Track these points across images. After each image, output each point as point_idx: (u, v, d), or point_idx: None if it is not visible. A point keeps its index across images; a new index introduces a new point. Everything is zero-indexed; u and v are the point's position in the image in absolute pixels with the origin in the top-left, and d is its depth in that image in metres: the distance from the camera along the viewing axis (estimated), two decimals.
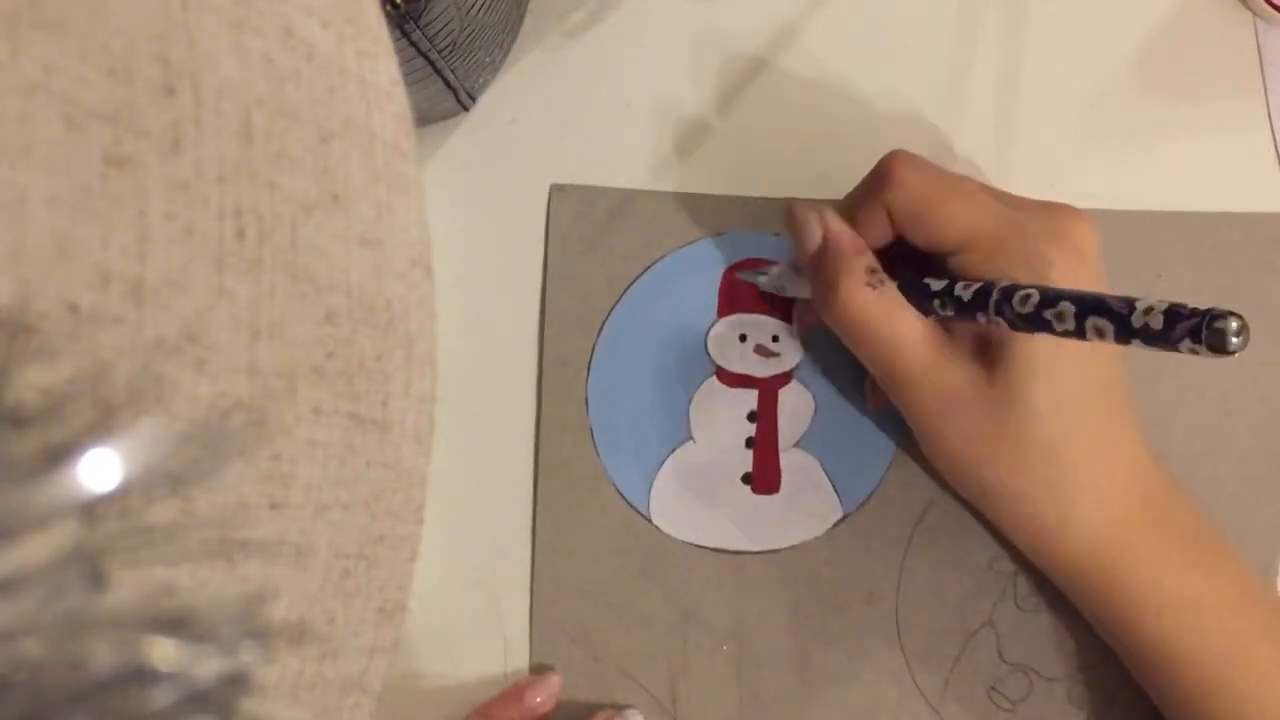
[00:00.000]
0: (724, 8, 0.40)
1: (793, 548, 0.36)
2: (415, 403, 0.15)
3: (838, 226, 0.31)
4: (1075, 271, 0.28)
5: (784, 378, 0.37)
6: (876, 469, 0.36)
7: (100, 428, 0.10)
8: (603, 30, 0.40)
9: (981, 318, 0.28)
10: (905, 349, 0.30)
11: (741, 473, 0.37)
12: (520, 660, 0.36)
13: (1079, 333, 0.25)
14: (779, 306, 0.37)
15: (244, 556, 0.12)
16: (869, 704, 0.35)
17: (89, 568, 0.10)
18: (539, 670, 0.36)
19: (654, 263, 0.38)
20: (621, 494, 0.36)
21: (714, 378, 0.37)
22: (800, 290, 0.35)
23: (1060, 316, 0.25)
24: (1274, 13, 0.38)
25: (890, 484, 0.36)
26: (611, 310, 0.37)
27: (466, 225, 0.38)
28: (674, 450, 0.37)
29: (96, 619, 0.10)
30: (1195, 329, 0.23)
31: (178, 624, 0.11)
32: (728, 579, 0.36)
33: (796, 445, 0.37)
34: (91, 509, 0.10)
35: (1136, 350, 0.36)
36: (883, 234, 0.31)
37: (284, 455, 0.13)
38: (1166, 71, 0.39)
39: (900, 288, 0.31)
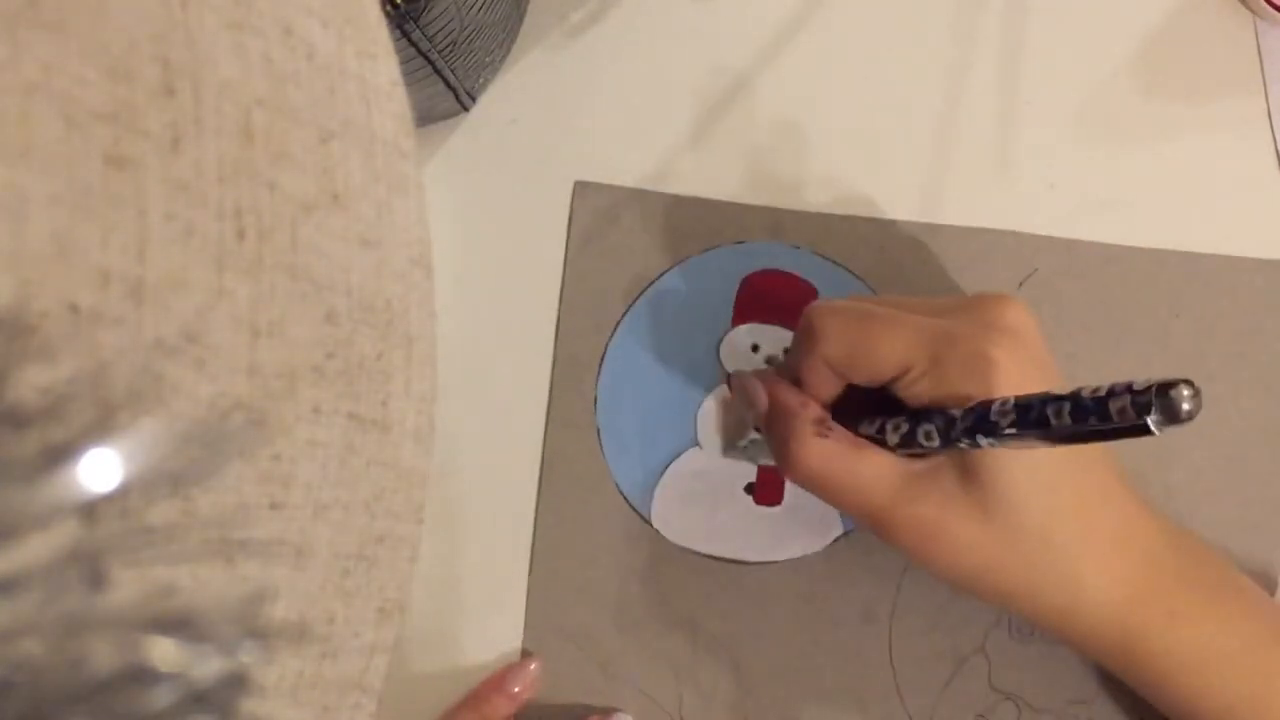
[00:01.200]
0: (724, 7, 0.40)
1: (791, 561, 0.36)
2: (415, 403, 0.15)
3: (778, 387, 0.32)
4: (1018, 361, 0.28)
5: None
6: None
7: (100, 428, 0.10)
8: (603, 30, 0.40)
9: (959, 443, 0.28)
10: (870, 488, 0.30)
11: (745, 483, 0.37)
12: (513, 654, 0.36)
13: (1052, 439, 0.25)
14: (795, 318, 0.37)
15: (244, 556, 0.12)
16: None
17: (89, 568, 0.10)
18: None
19: (672, 266, 0.38)
20: (624, 495, 0.36)
21: (724, 386, 0.37)
22: (769, 457, 0.35)
23: (1021, 435, 0.25)
24: (1274, 13, 0.38)
25: None
26: (627, 311, 0.37)
27: (467, 225, 0.38)
28: (679, 455, 0.37)
29: (96, 619, 0.10)
30: (1142, 405, 0.22)
31: (178, 624, 0.11)
32: (724, 587, 0.36)
33: None
34: (91, 509, 0.10)
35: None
36: (831, 386, 0.31)
37: (284, 455, 0.13)
38: (1166, 71, 0.39)
39: (863, 431, 0.31)
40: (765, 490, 0.36)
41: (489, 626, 0.36)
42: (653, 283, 0.37)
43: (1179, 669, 0.30)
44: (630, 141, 0.39)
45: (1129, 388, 0.22)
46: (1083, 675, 0.35)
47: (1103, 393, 0.23)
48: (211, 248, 0.11)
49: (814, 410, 0.31)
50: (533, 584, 0.36)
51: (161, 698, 0.10)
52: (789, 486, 0.36)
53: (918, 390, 0.29)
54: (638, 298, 0.37)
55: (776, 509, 0.36)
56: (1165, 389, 0.22)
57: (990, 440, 0.26)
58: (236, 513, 0.12)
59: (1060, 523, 0.29)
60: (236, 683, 0.11)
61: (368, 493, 0.14)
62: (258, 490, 0.12)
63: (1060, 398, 0.24)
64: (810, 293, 0.37)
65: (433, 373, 0.15)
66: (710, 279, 0.37)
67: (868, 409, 0.31)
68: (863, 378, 0.30)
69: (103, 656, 0.10)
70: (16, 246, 0.10)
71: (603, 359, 0.37)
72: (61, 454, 0.10)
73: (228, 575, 0.12)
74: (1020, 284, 0.37)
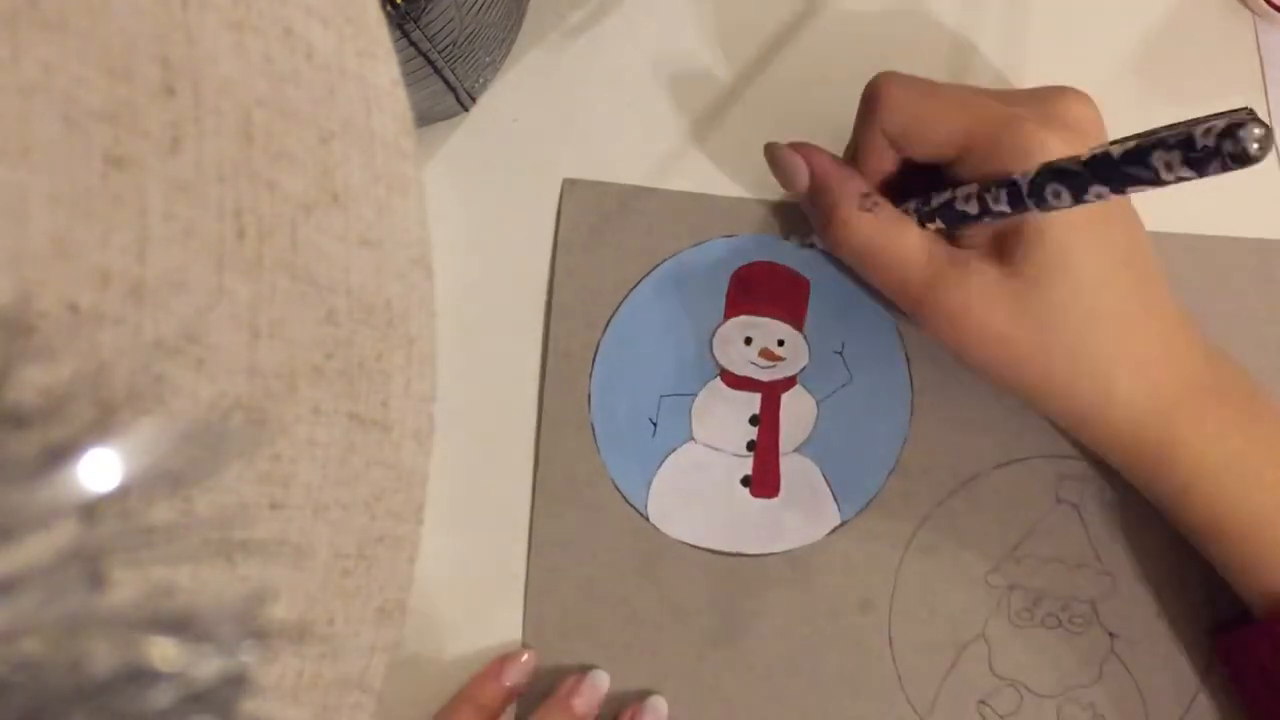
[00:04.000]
0: (724, 7, 0.40)
1: (789, 552, 0.36)
2: (415, 403, 0.15)
3: (821, 159, 0.32)
4: (1077, 151, 0.27)
5: (788, 382, 0.37)
6: (876, 477, 0.36)
7: (100, 428, 0.10)
8: (603, 30, 0.40)
9: (1001, 213, 0.27)
10: (912, 265, 0.29)
11: (741, 475, 0.37)
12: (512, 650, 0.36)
13: (1119, 183, 0.24)
14: (787, 309, 0.37)
15: (244, 556, 0.12)
16: (858, 713, 0.35)
17: (89, 568, 0.10)
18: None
19: (662, 261, 0.38)
20: (620, 491, 0.36)
21: (718, 379, 0.37)
22: None
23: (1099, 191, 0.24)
24: (1274, 13, 0.38)
25: (889, 493, 0.36)
26: (618, 307, 0.37)
27: (467, 225, 0.38)
28: (674, 450, 0.37)
29: (96, 619, 0.10)
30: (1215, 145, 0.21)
31: (178, 624, 0.11)
32: (722, 580, 0.36)
33: (797, 450, 0.37)
34: (91, 509, 0.10)
35: None
36: (886, 160, 0.31)
37: (284, 455, 0.13)
38: (1166, 71, 0.39)
39: (919, 211, 0.30)
40: (761, 483, 0.37)
41: (488, 626, 0.36)
42: (643, 278, 0.37)
43: (1204, 479, 0.30)
44: (631, 141, 0.39)
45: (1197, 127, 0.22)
46: (1084, 660, 0.35)
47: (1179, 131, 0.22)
48: (211, 248, 0.11)
49: (859, 183, 0.31)
50: (530, 582, 0.36)
51: (161, 698, 0.10)
52: (784, 478, 0.36)
53: (974, 171, 0.29)
54: (629, 294, 0.37)
55: (773, 501, 0.36)
56: (1233, 129, 0.21)
57: (1057, 193, 0.25)
58: (236, 513, 0.12)
59: (1098, 329, 0.29)
60: (236, 683, 0.11)
61: (368, 493, 0.14)
62: (258, 490, 0.12)
63: (1136, 140, 0.23)
64: (801, 283, 0.37)
65: (433, 373, 0.15)
66: (701, 273, 0.37)
67: (917, 193, 0.31)
68: (921, 152, 0.30)
69: (103, 656, 0.10)
70: (16, 246, 0.10)
71: (595, 356, 0.37)
72: (61, 454, 0.10)
73: (228, 575, 0.12)
74: None
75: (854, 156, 0.32)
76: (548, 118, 0.39)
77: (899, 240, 0.30)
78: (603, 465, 0.37)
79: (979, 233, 0.30)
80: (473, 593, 0.36)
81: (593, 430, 0.37)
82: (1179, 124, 0.23)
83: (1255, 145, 0.21)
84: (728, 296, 0.37)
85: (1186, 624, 0.35)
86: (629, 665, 0.36)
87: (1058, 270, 0.28)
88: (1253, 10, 0.39)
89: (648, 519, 0.36)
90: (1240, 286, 0.37)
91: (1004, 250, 0.29)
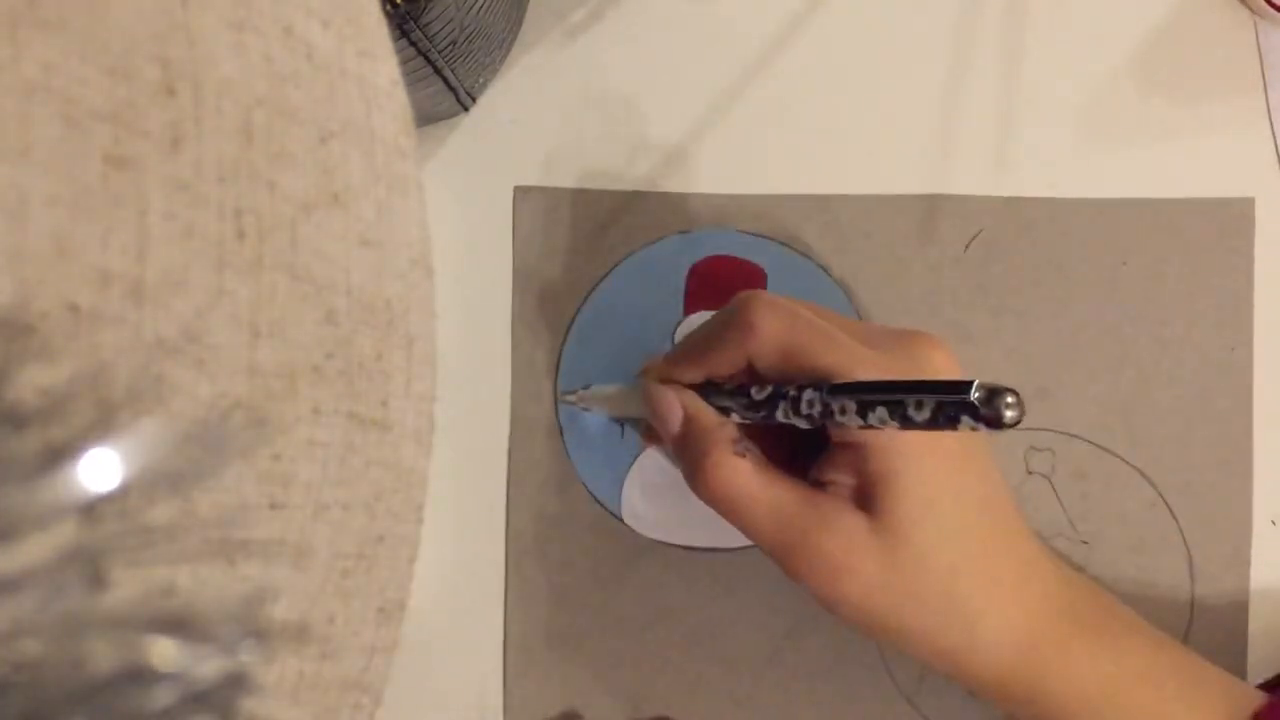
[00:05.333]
0: (724, 7, 0.40)
1: None
2: (415, 403, 0.15)
3: (694, 401, 0.31)
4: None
5: None
6: None
7: (100, 428, 0.10)
8: (603, 30, 0.40)
9: (780, 415, 0.29)
10: (786, 513, 0.29)
11: None
12: (493, 664, 0.36)
13: (866, 421, 0.26)
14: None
15: (244, 556, 0.12)
16: (845, 698, 0.36)
17: (89, 568, 0.10)
18: (514, 674, 0.35)
19: (619, 262, 0.38)
20: (592, 494, 0.36)
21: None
22: (616, 410, 0.35)
23: (844, 410, 0.27)
24: (1274, 13, 0.38)
25: None
26: (578, 311, 0.37)
27: (466, 225, 0.38)
28: (644, 450, 0.37)
29: (96, 619, 0.10)
30: (968, 410, 0.23)
31: (178, 624, 0.11)
32: (700, 577, 0.36)
33: None
34: (91, 509, 0.10)
35: (1099, 339, 0.37)
36: (734, 371, 0.31)
37: (284, 455, 0.13)
38: (1166, 71, 0.39)
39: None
40: None
41: (468, 640, 0.36)
42: (602, 280, 0.37)
43: (1080, 706, 0.30)
44: (631, 141, 0.39)
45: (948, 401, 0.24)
46: None
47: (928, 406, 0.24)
48: (211, 248, 0.11)
49: (731, 428, 0.31)
50: (510, 593, 0.36)
51: (161, 698, 0.10)
52: None
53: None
54: (588, 296, 0.37)
55: None
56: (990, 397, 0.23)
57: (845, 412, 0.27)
58: (236, 513, 0.12)
59: (964, 571, 0.29)
60: (236, 683, 0.11)
61: (368, 493, 0.14)
62: (258, 490, 0.12)
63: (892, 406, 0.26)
64: (758, 274, 0.37)
65: (433, 373, 0.15)
66: (659, 271, 0.37)
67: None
68: (776, 376, 0.30)
69: (103, 656, 0.10)
70: (16, 246, 0.10)
71: (559, 360, 0.37)
72: (61, 454, 0.10)
73: (228, 575, 0.12)
74: (967, 245, 0.37)
75: (696, 358, 0.32)
76: (547, 118, 0.39)
77: (771, 489, 0.30)
78: (573, 469, 0.37)
79: (841, 480, 0.30)
80: (451, 611, 0.36)
81: (561, 435, 0.37)
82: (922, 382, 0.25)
83: (1012, 412, 0.23)
84: (687, 292, 0.37)
85: (1164, 586, 0.36)
86: (613, 669, 0.36)
87: (922, 519, 0.29)
88: (1253, 10, 0.39)
89: (621, 521, 0.36)
90: (1196, 246, 0.37)
91: (867, 499, 0.29)
